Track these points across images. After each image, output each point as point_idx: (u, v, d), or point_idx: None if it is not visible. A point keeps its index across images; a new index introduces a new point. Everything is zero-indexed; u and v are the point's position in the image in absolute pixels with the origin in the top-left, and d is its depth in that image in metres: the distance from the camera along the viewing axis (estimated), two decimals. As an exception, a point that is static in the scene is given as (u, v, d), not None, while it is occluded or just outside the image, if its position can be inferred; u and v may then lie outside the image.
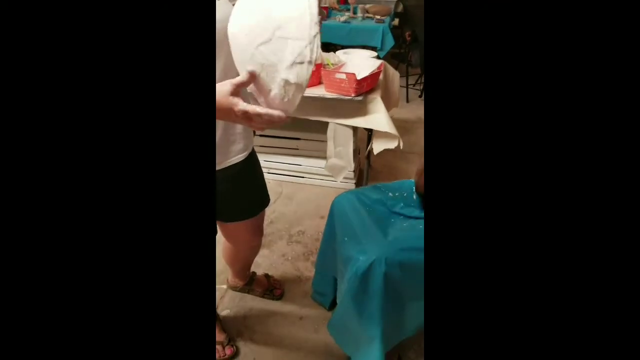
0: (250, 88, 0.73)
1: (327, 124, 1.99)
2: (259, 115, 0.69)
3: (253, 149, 1.19)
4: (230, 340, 1.47)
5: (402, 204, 1.31)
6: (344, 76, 1.80)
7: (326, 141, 2.06)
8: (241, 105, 0.68)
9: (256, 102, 0.73)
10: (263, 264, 1.82)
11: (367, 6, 3.47)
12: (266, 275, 1.70)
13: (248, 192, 1.21)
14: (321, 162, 2.25)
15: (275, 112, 0.70)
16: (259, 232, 1.38)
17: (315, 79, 1.93)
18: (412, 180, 1.39)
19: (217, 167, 1.06)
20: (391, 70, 2.15)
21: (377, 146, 1.94)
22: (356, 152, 2.23)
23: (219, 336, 1.46)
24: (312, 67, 0.68)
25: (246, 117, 0.69)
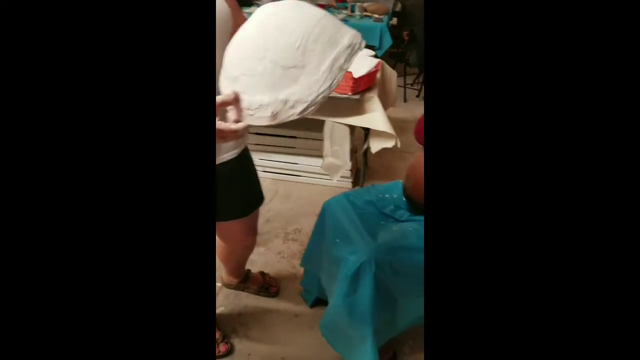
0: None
1: (323, 122, 2.00)
2: (220, 130, 0.69)
3: (246, 148, 1.18)
4: (225, 338, 1.47)
5: (392, 206, 1.33)
6: (341, 74, 1.79)
7: (323, 140, 2.06)
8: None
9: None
10: (259, 261, 1.83)
11: (365, 4, 3.46)
12: (262, 273, 1.70)
13: (241, 191, 1.21)
14: (318, 161, 2.25)
15: (233, 127, 0.69)
16: (252, 231, 1.38)
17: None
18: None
19: None
20: (388, 69, 2.15)
21: (374, 145, 1.94)
22: (353, 151, 2.23)
23: (214, 333, 1.46)
24: (297, 111, 0.67)
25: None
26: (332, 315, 1.23)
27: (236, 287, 1.66)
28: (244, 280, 1.65)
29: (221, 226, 1.26)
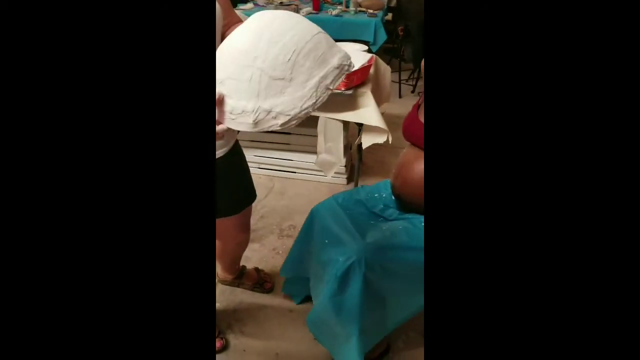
0: None
1: (318, 118, 2.00)
2: None
3: (237, 144, 1.19)
4: (220, 333, 1.48)
5: (381, 205, 1.33)
6: (334, 70, 1.79)
7: (317, 136, 2.06)
8: None
9: None
10: (253, 257, 1.83)
11: None
12: (256, 269, 1.71)
13: (232, 187, 1.21)
14: (313, 157, 2.25)
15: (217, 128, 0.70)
16: (245, 228, 1.38)
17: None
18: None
19: None
20: (382, 65, 2.15)
21: (366, 140, 1.94)
22: (347, 147, 2.23)
23: (209, 329, 1.46)
24: (278, 122, 0.69)
25: None
26: (318, 313, 1.23)
27: (231, 283, 1.67)
28: (239, 277, 1.66)
29: (213, 223, 1.26)
